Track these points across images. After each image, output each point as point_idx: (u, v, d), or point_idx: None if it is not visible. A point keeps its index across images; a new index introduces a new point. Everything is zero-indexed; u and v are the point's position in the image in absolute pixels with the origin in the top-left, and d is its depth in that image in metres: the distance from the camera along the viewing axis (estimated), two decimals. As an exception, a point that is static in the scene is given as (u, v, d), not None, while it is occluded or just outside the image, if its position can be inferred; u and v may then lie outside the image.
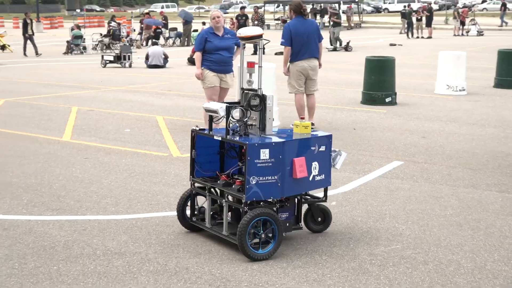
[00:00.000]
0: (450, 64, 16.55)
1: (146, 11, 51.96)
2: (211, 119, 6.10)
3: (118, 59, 25.27)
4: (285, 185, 5.72)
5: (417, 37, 43.24)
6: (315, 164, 5.96)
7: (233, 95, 11.76)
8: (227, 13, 64.54)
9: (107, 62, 25.34)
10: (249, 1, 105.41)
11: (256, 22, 32.24)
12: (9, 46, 33.91)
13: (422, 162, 9.33)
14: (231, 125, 5.94)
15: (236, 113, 5.90)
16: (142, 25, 37.95)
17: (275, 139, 5.81)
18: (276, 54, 28.72)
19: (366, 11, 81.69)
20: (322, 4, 55.13)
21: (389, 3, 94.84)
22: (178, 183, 8.25)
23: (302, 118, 6.25)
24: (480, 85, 17.85)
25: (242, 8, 35.73)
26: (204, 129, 6.22)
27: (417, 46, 35.67)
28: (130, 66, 24.97)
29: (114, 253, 5.89)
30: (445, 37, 44.14)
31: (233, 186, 5.84)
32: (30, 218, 6.91)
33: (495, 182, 8.29)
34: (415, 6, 54.69)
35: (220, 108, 5.86)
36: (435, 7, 53.79)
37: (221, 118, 5.94)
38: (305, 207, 6.35)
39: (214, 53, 10.81)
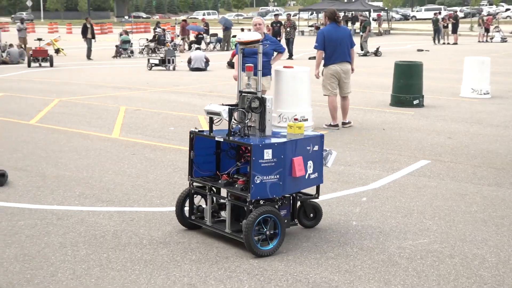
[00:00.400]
0: (474, 69, 16.42)
1: (184, 18, 52.20)
2: (211, 121, 6.01)
3: (163, 62, 25.42)
4: (286, 183, 5.67)
5: (443, 43, 42.86)
6: (310, 163, 5.92)
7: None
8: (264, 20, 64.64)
9: (153, 65, 25.50)
10: (285, 8, 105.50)
11: (288, 29, 32.09)
12: (62, 50, 34.25)
13: (448, 161, 9.23)
14: (233, 126, 5.88)
15: (239, 116, 5.87)
16: (171, 30, 38.17)
17: (276, 139, 5.75)
18: (309, 58, 28.72)
19: (395, 19, 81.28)
20: (353, 12, 55.03)
21: (417, 11, 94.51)
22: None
23: (296, 120, 6.14)
24: (504, 89, 17.66)
25: (276, 15, 35.66)
26: (203, 131, 6.14)
27: (443, 51, 35.35)
28: (174, 69, 25.10)
29: (159, 243, 5.92)
30: (470, 43, 43.67)
31: (236, 186, 5.75)
32: (82, 209, 6.99)
33: (518, 181, 8.19)
34: (442, 14, 54.26)
35: (223, 110, 5.78)
36: (460, 14, 53.28)
37: (221, 120, 5.88)
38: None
39: (252, 57, 10.80)
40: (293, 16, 39.21)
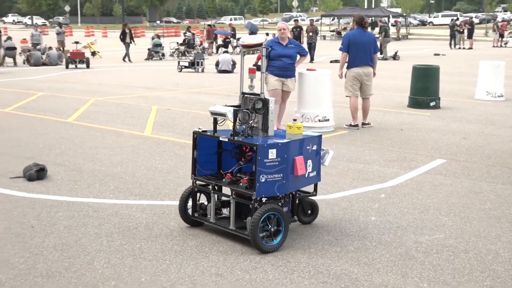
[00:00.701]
0: (489, 72, 16.32)
1: (209, 23, 52.42)
2: (215, 121, 5.95)
3: (192, 64, 25.54)
4: (289, 182, 5.63)
5: (459, 48, 42.54)
6: (309, 162, 5.85)
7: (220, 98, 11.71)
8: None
9: (183, 67, 25.64)
10: (307, 14, 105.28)
11: (310, 34, 31.98)
12: (98, 52, 34.51)
13: (463, 161, 9.17)
14: (238, 127, 5.84)
15: (243, 116, 5.81)
16: (200, 34, 38.26)
17: (279, 140, 5.69)
18: (331, 62, 28.68)
19: (413, 24, 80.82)
20: (373, 18, 54.79)
21: (434, 17, 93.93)
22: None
23: (295, 120, 6.06)
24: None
25: (296, 20, 35.65)
26: (206, 131, 6.04)
27: (459, 56, 35.08)
28: (202, 71, 25.19)
29: (188, 234, 5.96)
30: (485, 48, 43.28)
31: (240, 184, 5.70)
32: (116, 202, 7.04)
33: (531, 180, 8.11)
34: (458, 20, 53.92)
35: (228, 111, 5.74)
36: (476, 20, 52.86)
37: (225, 120, 5.85)
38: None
39: (277, 60, 10.87)
40: (315, 21, 39.07)
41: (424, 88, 14.63)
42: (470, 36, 43.79)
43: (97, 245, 5.67)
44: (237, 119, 5.77)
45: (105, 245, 5.68)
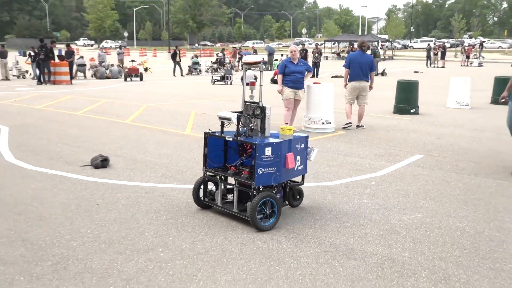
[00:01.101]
0: (458, 86, 16.20)
1: (233, 46, 52.49)
2: (222, 125, 5.87)
3: (223, 78, 25.53)
4: (281, 174, 5.52)
5: (434, 67, 42.13)
6: (298, 158, 5.74)
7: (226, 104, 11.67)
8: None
9: (215, 80, 25.64)
10: (313, 39, 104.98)
11: (316, 55, 31.83)
12: (149, 68, 34.64)
13: (437, 156, 9.08)
14: (241, 129, 5.74)
15: (245, 121, 5.73)
16: (229, 54, 38.16)
17: (274, 140, 5.56)
18: (332, 77, 28.52)
19: (397, 47, 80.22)
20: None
21: (414, 42, 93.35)
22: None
23: (287, 123, 5.99)
24: (480, 102, 17.26)
25: (303, 44, 35.45)
26: (215, 132, 5.95)
27: (434, 73, 34.73)
28: (231, 83, 25.18)
29: (219, 212, 5.95)
30: (455, 67, 42.80)
31: (242, 175, 5.61)
32: (163, 185, 7.05)
33: (491, 172, 7.98)
34: (433, 44, 53.61)
35: (233, 116, 5.65)
36: (447, 45, 52.45)
37: (230, 123, 5.72)
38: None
39: (290, 75, 10.88)
40: (320, 45, 38.84)
41: (406, 98, 14.54)
42: (443, 57, 43.43)
43: (148, 219, 5.70)
44: (240, 122, 5.70)
45: (154, 219, 5.71)
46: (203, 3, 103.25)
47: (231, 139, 5.75)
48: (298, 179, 6.14)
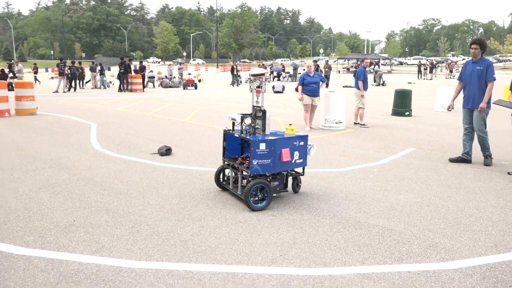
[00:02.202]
0: (443, 93, 15.86)
1: (263, 62, 52.09)
2: (233, 124, 5.68)
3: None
4: (276, 165, 5.21)
5: (424, 79, 41.16)
6: (296, 152, 5.41)
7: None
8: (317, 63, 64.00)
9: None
10: (328, 57, 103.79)
11: (327, 69, 31.44)
12: (202, 79, 34.77)
13: (426, 149, 8.85)
14: (244, 127, 5.53)
15: (247, 121, 5.54)
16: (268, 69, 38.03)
17: (271, 137, 5.27)
18: (343, 87, 28.13)
19: (394, 63, 78.70)
20: (369, 59, 53.46)
21: (408, 59, 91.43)
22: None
23: (290, 124, 5.69)
24: (460, 106, 16.66)
25: (315, 61, 34.89)
26: (230, 130, 5.76)
27: (424, 84, 33.89)
28: (264, 91, 24.97)
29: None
30: (440, 79, 41.70)
31: (244, 165, 5.45)
32: (213, 169, 7.02)
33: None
34: (423, 61, 52.36)
35: (237, 117, 5.47)
36: (434, 62, 51.24)
37: (238, 123, 5.52)
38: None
39: (308, 86, 10.75)
40: (333, 62, 38.32)
41: (402, 103, 14.22)
42: (431, 71, 42.51)
43: (201, 195, 5.70)
44: (243, 122, 5.48)
45: (206, 194, 5.71)
46: (243, 30, 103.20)
47: (237, 136, 5.52)
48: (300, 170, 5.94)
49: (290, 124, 5.72)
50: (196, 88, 27.14)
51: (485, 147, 7.53)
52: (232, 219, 4.88)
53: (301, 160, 5.56)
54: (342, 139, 9.85)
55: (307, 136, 5.60)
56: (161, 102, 18.49)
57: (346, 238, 4.40)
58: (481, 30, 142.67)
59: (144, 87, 25.63)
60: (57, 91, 23.48)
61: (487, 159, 7.51)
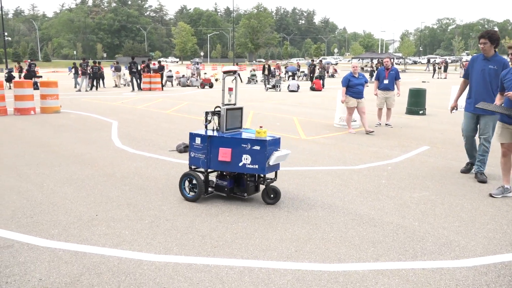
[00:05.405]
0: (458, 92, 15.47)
1: (277, 62, 51.89)
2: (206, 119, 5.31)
3: (273, 87, 25.37)
4: (211, 162, 5.04)
5: (438, 78, 40.55)
6: (246, 156, 4.87)
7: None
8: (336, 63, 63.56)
9: (268, 88, 25.54)
10: (343, 57, 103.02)
11: (320, 69, 30.91)
12: (219, 79, 34.90)
13: (440, 147, 8.72)
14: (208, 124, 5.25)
15: (207, 117, 5.24)
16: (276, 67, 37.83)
17: (209, 133, 5.07)
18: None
19: (408, 63, 77.77)
20: (382, 58, 52.91)
21: (422, 58, 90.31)
22: (305, 152, 8.18)
23: (261, 127, 5.12)
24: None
25: (312, 60, 34.43)
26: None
27: (438, 83, 33.42)
28: (280, 90, 24.97)
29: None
30: (455, 78, 41.04)
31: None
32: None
33: (485, 160, 7.62)
34: (438, 60, 51.61)
35: (205, 113, 5.24)
36: (449, 61, 50.46)
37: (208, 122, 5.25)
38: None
39: (354, 87, 10.18)
40: (348, 61, 37.97)
41: (416, 101, 14.06)
42: (445, 70, 41.85)
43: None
44: (206, 118, 5.23)
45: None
46: (259, 30, 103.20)
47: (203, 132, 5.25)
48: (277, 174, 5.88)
49: (261, 127, 5.17)
50: (211, 87, 27.22)
51: (484, 162, 6.28)
52: (248, 214, 4.88)
53: (255, 166, 4.87)
54: (356, 137, 9.76)
55: (265, 141, 4.83)
56: (179, 100, 18.58)
57: (361, 235, 4.37)
58: (496, 29, 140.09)
59: (163, 86, 25.80)
60: (79, 90, 23.82)
61: (482, 175, 6.23)
